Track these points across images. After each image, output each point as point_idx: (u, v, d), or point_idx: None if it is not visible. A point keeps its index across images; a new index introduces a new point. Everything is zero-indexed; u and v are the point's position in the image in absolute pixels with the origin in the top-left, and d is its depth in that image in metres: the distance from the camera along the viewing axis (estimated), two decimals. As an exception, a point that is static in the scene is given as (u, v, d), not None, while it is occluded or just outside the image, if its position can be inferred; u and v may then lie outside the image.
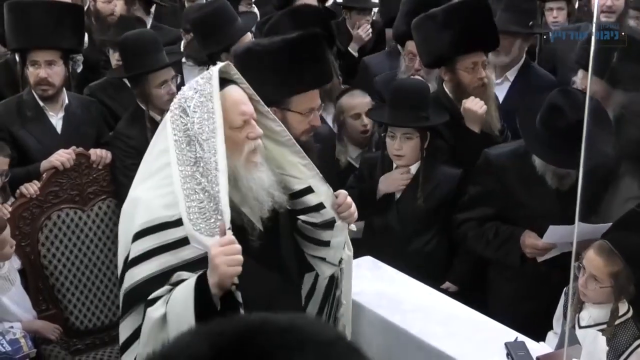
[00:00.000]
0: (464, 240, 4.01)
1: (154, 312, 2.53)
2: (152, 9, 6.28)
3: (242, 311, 2.49)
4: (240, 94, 2.73)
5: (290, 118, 3.36)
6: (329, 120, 4.63)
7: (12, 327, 3.58)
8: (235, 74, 2.78)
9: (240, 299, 2.52)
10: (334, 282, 3.10)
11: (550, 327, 3.45)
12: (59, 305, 4.00)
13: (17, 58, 4.53)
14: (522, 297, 3.82)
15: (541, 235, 3.68)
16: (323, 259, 3.00)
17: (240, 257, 2.46)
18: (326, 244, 2.96)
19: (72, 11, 4.34)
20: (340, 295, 3.13)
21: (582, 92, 3.76)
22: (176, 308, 2.49)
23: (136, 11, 5.75)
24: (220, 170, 2.55)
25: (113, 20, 5.56)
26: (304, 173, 2.91)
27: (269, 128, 2.86)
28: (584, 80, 4.16)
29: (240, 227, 2.69)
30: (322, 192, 2.93)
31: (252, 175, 2.71)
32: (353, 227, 3.07)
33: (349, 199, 2.97)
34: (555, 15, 5.72)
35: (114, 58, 4.88)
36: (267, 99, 3.30)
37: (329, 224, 2.93)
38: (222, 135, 2.57)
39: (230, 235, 2.50)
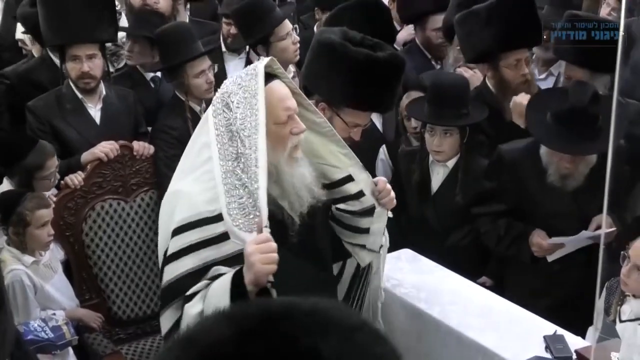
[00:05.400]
0: (477, 235, 4.00)
1: (192, 308, 2.56)
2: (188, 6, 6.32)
3: None
4: (284, 89, 2.74)
5: (335, 121, 3.36)
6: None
7: (54, 314, 3.64)
8: (279, 68, 2.79)
9: (275, 296, 2.50)
10: (364, 268, 3.11)
11: (582, 320, 3.41)
12: (102, 295, 4.06)
13: (51, 53, 4.62)
14: (538, 294, 3.78)
15: (551, 234, 3.70)
16: (363, 246, 3.04)
17: (275, 256, 2.47)
18: (365, 231, 3.00)
19: (107, 2, 4.37)
20: (378, 281, 3.16)
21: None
22: (213, 304, 2.52)
23: (179, 6, 5.78)
24: (260, 167, 2.56)
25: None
26: (344, 162, 2.94)
27: (310, 120, 2.89)
28: None
29: (280, 221, 2.71)
30: (362, 180, 2.97)
31: (295, 172, 2.73)
32: (390, 214, 3.09)
33: (388, 186, 3.02)
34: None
35: (126, 48, 4.97)
36: (325, 94, 3.32)
37: (369, 211, 2.97)
38: (264, 132, 2.58)
39: (266, 233, 2.50)
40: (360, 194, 2.96)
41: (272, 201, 2.67)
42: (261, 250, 2.46)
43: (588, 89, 3.67)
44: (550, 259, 3.80)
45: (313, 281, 2.80)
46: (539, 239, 3.76)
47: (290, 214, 2.77)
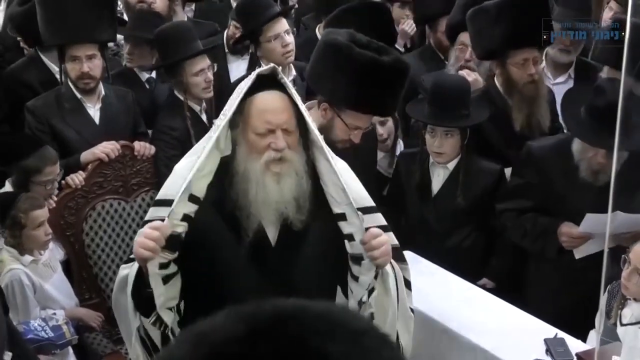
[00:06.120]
0: (503, 230, 3.99)
1: (122, 270, 2.73)
2: (193, 7, 6.35)
3: (157, 301, 2.60)
4: (272, 102, 2.66)
5: (336, 122, 3.35)
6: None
7: (54, 313, 3.63)
8: (282, 78, 2.72)
9: (155, 292, 2.59)
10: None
11: (589, 322, 3.41)
12: (102, 295, 4.06)
13: (41, 53, 4.62)
14: (560, 291, 3.80)
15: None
16: (351, 291, 2.82)
17: (151, 244, 2.50)
18: (354, 278, 2.77)
19: (107, 2, 4.35)
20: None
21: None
22: (132, 272, 2.65)
23: (176, 7, 5.78)
24: (198, 160, 2.62)
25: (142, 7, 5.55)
26: (341, 197, 2.75)
27: (316, 144, 2.77)
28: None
29: (236, 227, 2.67)
30: (354, 225, 2.74)
31: (264, 184, 2.64)
32: (388, 271, 2.77)
33: (380, 240, 2.67)
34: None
35: (125, 51, 4.96)
36: (328, 94, 3.29)
37: (356, 259, 2.74)
38: (217, 133, 2.63)
39: (165, 222, 2.55)
40: (350, 237, 2.74)
41: (239, 206, 2.64)
42: (144, 234, 2.53)
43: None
44: (577, 255, 3.78)
45: (265, 294, 2.64)
46: (568, 228, 3.75)
47: (262, 224, 2.69)
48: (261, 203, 2.64)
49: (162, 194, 2.75)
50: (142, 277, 2.60)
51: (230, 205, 2.66)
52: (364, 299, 2.76)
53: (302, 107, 2.74)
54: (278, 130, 2.63)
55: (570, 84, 4.79)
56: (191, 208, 2.63)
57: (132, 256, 2.71)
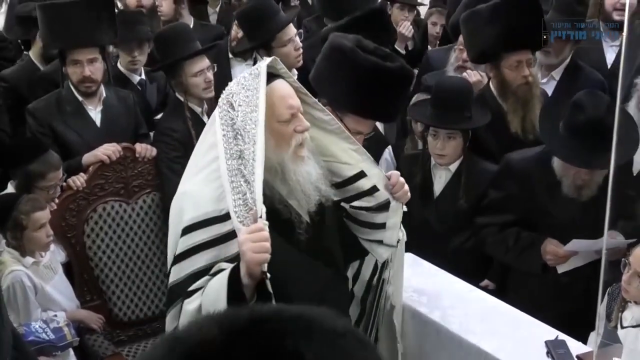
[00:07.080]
0: (482, 246, 3.96)
1: (190, 305, 2.55)
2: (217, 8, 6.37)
3: (273, 301, 2.43)
4: (287, 88, 2.73)
5: None
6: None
7: (55, 315, 3.64)
8: (282, 68, 2.79)
9: (270, 289, 2.45)
10: (382, 265, 3.11)
11: (575, 335, 3.40)
12: (103, 297, 4.06)
13: None
14: (542, 306, 3.69)
15: (563, 243, 3.66)
16: (380, 242, 3.02)
17: (267, 245, 2.42)
18: (381, 226, 2.97)
19: (107, 6, 4.35)
20: (389, 275, 3.14)
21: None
22: (210, 299, 2.50)
23: (182, 10, 5.79)
24: (257, 160, 2.53)
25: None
26: (355, 158, 2.92)
27: (317, 117, 2.88)
28: None
29: (287, 220, 2.70)
30: (374, 175, 2.94)
31: (300, 169, 2.70)
32: (405, 208, 3.06)
33: (401, 179, 2.98)
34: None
35: (126, 60, 4.94)
36: (330, 97, 3.30)
37: (384, 206, 2.95)
38: (263, 127, 2.56)
39: (259, 223, 2.46)
40: (374, 189, 2.93)
41: (279, 200, 2.68)
42: (252, 239, 2.42)
43: (602, 99, 3.61)
44: (560, 270, 3.76)
45: (322, 279, 2.79)
46: (554, 247, 3.72)
47: (299, 212, 2.75)
48: (304, 189, 2.70)
49: (194, 218, 2.61)
50: (240, 297, 2.44)
51: (267, 202, 2.61)
52: (400, 237, 3.05)
53: (304, 89, 2.84)
54: (298, 112, 2.70)
55: (552, 84, 4.81)
56: (264, 207, 2.55)
57: (190, 288, 2.57)
